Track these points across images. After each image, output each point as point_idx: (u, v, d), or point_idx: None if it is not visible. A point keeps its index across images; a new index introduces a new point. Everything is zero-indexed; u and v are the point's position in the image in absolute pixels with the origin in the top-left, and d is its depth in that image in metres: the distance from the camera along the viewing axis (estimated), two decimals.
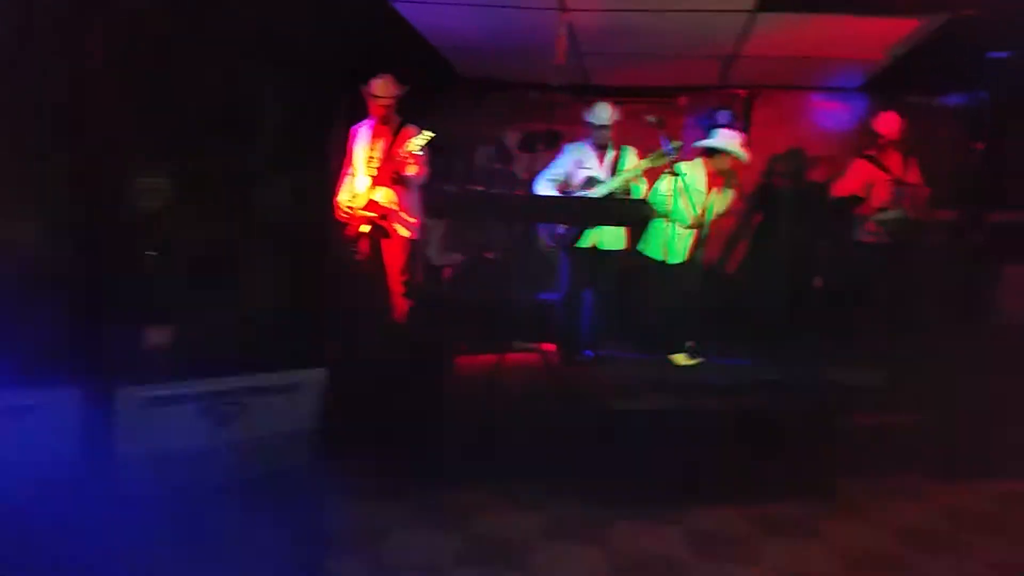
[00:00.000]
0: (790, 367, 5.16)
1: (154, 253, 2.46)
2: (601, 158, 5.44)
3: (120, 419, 2.44)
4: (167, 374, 2.54)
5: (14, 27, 2.26)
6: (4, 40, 2.25)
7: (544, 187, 5.51)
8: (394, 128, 5.22)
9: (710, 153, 5.53)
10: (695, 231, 5.47)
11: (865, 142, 6.31)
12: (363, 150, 5.29)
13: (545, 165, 5.73)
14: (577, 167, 5.46)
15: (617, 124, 5.46)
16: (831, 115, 7.94)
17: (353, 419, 3.32)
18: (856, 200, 6.04)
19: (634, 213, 4.77)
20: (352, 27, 4.70)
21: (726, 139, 5.47)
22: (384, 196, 5.17)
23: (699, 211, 5.39)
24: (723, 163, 5.47)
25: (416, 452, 3.58)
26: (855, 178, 6.11)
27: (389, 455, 3.43)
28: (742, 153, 5.48)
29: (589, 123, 5.44)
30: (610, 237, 5.40)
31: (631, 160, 5.41)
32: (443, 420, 3.90)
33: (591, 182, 5.36)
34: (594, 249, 5.38)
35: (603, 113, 5.37)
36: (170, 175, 2.48)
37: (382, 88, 5.15)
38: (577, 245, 5.37)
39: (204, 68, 2.53)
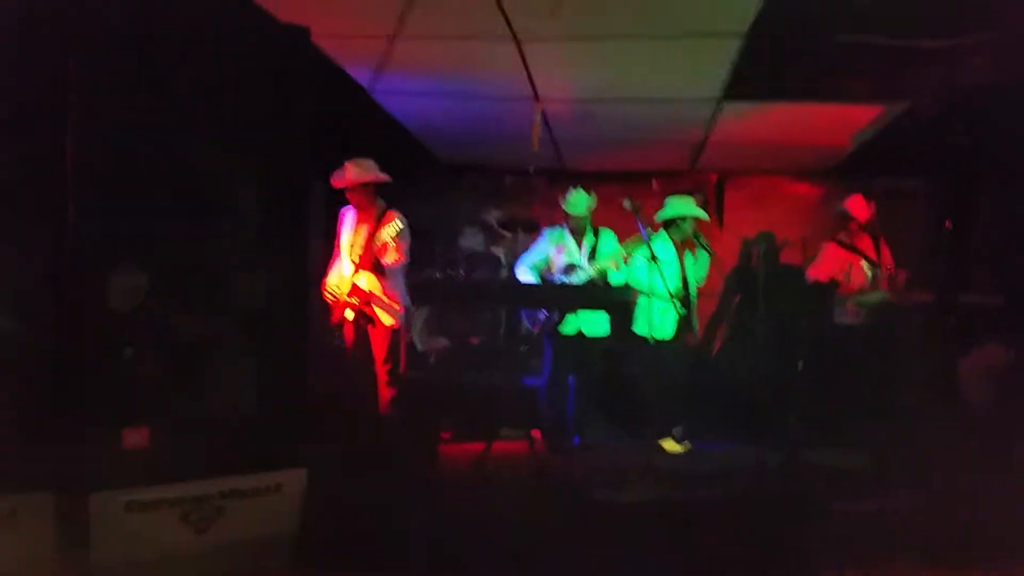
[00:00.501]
0: (773, 452, 5.11)
1: (128, 350, 2.40)
2: (580, 243, 5.48)
3: (94, 525, 2.33)
4: (143, 477, 2.44)
5: None
6: None
7: (524, 272, 5.53)
8: (377, 213, 5.22)
9: (667, 225, 5.63)
10: (678, 304, 5.44)
11: (837, 225, 6.43)
12: (347, 235, 5.29)
13: (525, 249, 5.78)
14: (557, 252, 5.49)
15: (594, 210, 5.53)
16: (802, 198, 8.13)
17: (335, 519, 3.21)
18: (833, 283, 6.12)
19: (615, 298, 4.78)
20: (331, 115, 4.80)
21: (678, 204, 5.59)
22: (367, 282, 5.15)
23: (677, 283, 5.44)
24: (684, 229, 5.58)
25: (399, 551, 3.46)
26: (829, 261, 6.20)
27: (372, 555, 3.31)
28: (698, 211, 5.65)
29: (565, 211, 5.49)
30: (593, 322, 5.38)
31: (610, 243, 5.45)
32: (428, 515, 3.80)
33: (571, 268, 5.38)
34: (578, 334, 5.36)
35: (579, 202, 5.42)
36: (144, 270, 2.44)
37: (353, 173, 5.16)
38: (559, 330, 5.34)
39: (177, 159, 2.52)
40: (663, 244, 5.54)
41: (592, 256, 5.39)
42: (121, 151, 2.45)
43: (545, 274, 5.51)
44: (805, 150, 7.06)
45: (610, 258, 5.22)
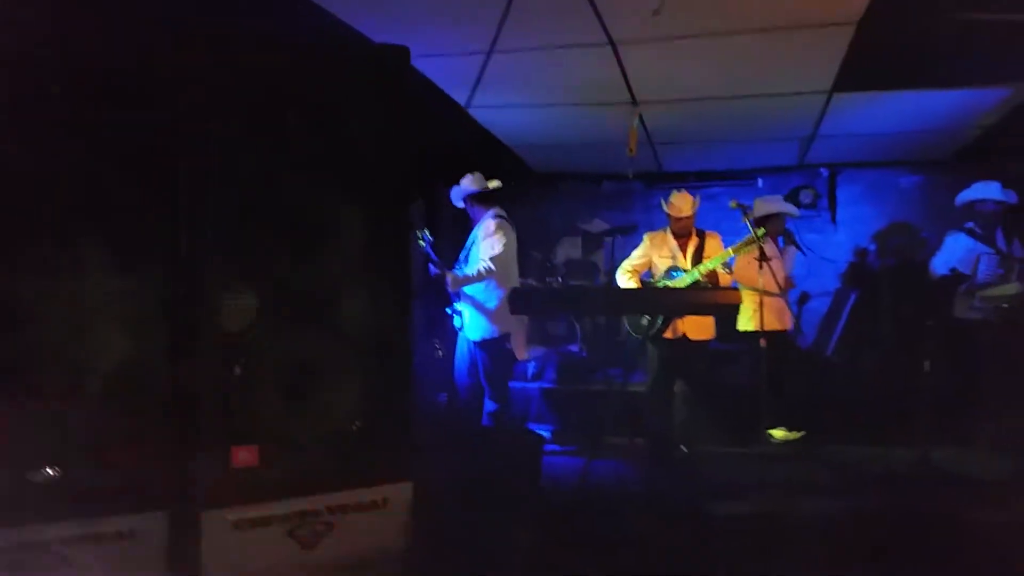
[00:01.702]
0: (899, 457, 4.82)
1: (239, 371, 2.45)
2: (683, 246, 5.30)
3: (206, 543, 2.39)
4: (253, 494, 2.49)
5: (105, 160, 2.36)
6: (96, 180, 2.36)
7: (623, 278, 5.40)
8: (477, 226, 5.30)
9: (763, 222, 5.49)
10: (780, 299, 5.33)
11: (961, 215, 6.02)
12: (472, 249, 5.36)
13: (624, 255, 5.65)
14: (658, 256, 5.34)
15: (696, 212, 5.35)
16: (920, 189, 7.67)
17: (441, 532, 3.21)
18: (959, 277, 5.73)
19: (720, 302, 4.59)
20: (428, 134, 4.85)
21: (770, 204, 5.52)
22: (460, 298, 5.21)
23: (778, 279, 5.31)
24: (777, 226, 5.52)
25: (506, 561, 3.43)
26: (954, 253, 5.81)
27: (479, 566, 3.29)
28: (787, 208, 5.62)
29: (667, 214, 5.34)
30: (698, 326, 5.20)
31: (714, 246, 5.25)
32: (532, 525, 3.76)
33: (673, 271, 5.21)
34: (683, 339, 5.18)
35: (681, 204, 5.25)
36: (253, 292, 2.50)
37: (460, 188, 5.27)
38: (662, 336, 5.18)
39: (284, 186, 2.57)
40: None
41: (697, 259, 5.20)
42: (230, 181, 2.51)
43: (645, 279, 5.37)
44: (924, 137, 6.65)
45: (715, 262, 5.01)
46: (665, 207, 5.33)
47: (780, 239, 5.83)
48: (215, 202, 2.48)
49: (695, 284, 5.03)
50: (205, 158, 2.47)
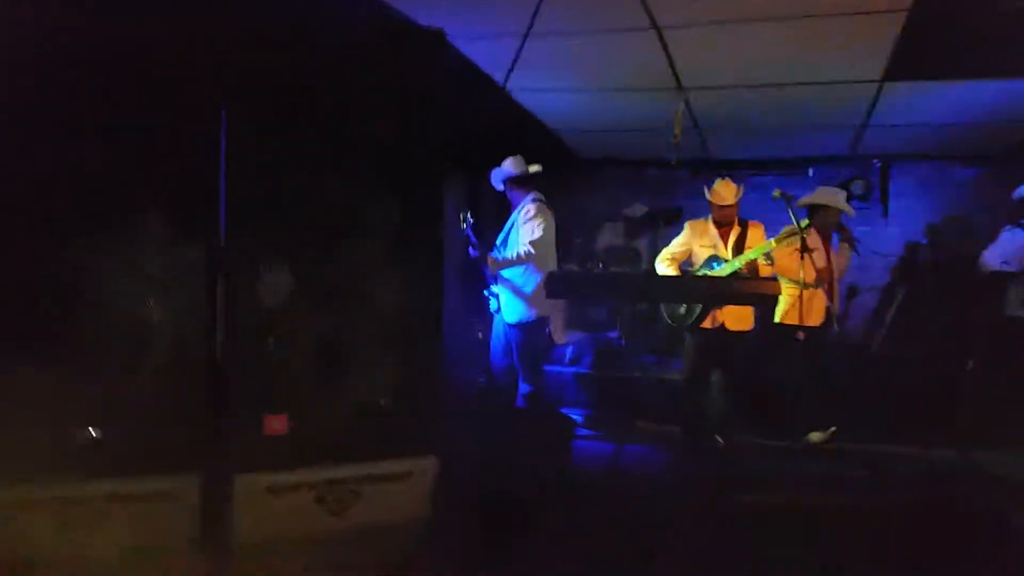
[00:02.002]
0: (943, 455, 4.74)
1: (273, 345, 2.54)
2: (724, 235, 5.25)
3: (236, 506, 2.49)
4: (283, 461, 2.58)
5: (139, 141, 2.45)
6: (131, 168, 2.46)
7: (663, 265, 5.38)
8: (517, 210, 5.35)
9: (812, 211, 5.40)
10: (820, 292, 5.22)
11: (1015, 209, 5.85)
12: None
13: (666, 242, 5.62)
14: (700, 245, 5.30)
15: (740, 201, 5.29)
16: (975, 182, 7.46)
17: (466, 507, 3.28)
18: (1010, 272, 5.58)
19: (760, 292, 4.54)
20: (471, 115, 4.89)
21: (827, 194, 5.38)
22: (497, 282, 5.26)
23: (819, 270, 5.18)
24: (830, 218, 5.39)
25: (531, 543, 3.47)
26: (1007, 248, 5.66)
27: (503, 545, 3.35)
28: (845, 207, 5.40)
29: (710, 202, 5.29)
30: (737, 317, 5.16)
31: (756, 236, 5.19)
32: (561, 508, 3.80)
33: (714, 260, 5.17)
34: (721, 329, 5.15)
35: (725, 193, 5.20)
36: (290, 271, 2.58)
37: (499, 172, 5.32)
38: (701, 325, 5.15)
39: (321, 168, 2.64)
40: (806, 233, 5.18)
41: (738, 249, 5.15)
42: (267, 163, 2.59)
43: (687, 267, 5.33)
44: (977, 131, 6.45)
45: (757, 252, 4.95)
46: (708, 195, 5.29)
47: (835, 236, 5.70)
48: (254, 184, 2.56)
49: (735, 274, 4.98)
50: (244, 140, 2.55)
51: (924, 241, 7.10)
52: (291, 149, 2.62)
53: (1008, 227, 5.76)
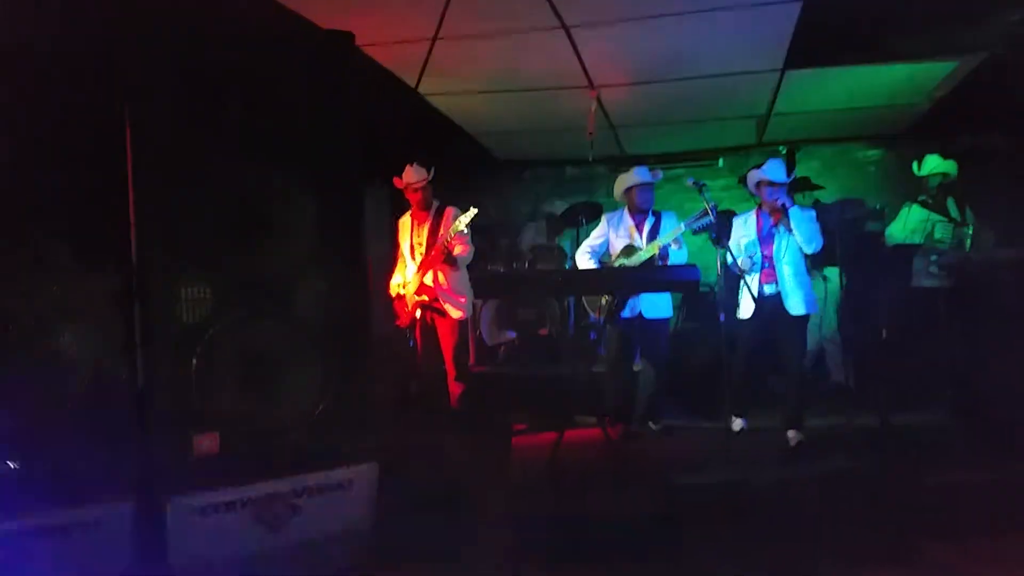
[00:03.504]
0: (858, 423, 4.94)
1: (196, 360, 2.49)
2: (640, 225, 5.38)
3: (171, 530, 2.42)
4: (217, 480, 2.53)
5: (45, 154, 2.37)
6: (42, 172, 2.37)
7: (583, 258, 5.46)
8: (434, 212, 5.37)
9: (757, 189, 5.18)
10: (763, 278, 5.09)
11: (916, 187, 6.17)
12: (406, 238, 5.44)
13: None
14: (616, 236, 5.40)
15: (653, 187, 5.39)
16: (877, 163, 7.83)
17: (408, 512, 3.26)
18: (912, 245, 5.86)
19: (681, 278, 4.65)
20: (385, 119, 4.87)
21: (765, 169, 5.08)
22: (433, 279, 5.27)
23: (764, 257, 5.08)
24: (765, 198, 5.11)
25: (474, 544, 3.48)
26: (909, 223, 5.95)
27: (446, 546, 3.34)
28: (776, 177, 5.04)
29: (630, 187, 5.37)
30: (652, 305, 5.28)
31: (671, 224, 5.32)
32: (503, 506, 3.81)
33: (629, 250, 5.27)
34: (639, 318, 5.27)
35: (641, 174, 5.30)
36: (208, 282, 2.52)
37: (412, 175, 5.32)
38: (621, 315, 5.24)
39: (231, 174, 2.59)
40: (747, 220, 5.22)
41: (653, 237, 5.27)
42: (179, 173, 2.53)
43: (605, 258, 5.43)
44: (879, 112, 6.77)
45: (668, 237, 5.07)
46: (626, 179, 5.36)
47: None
48: (164, 195, 2.50)
49: (650, 261, 5.09)
50: (152, 150, 2.48)
51: (831, 220, 7.38)
52: (202, 159, 2.57)
53: (907, 204, 6.06)
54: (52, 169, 2.40)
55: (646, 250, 5.17)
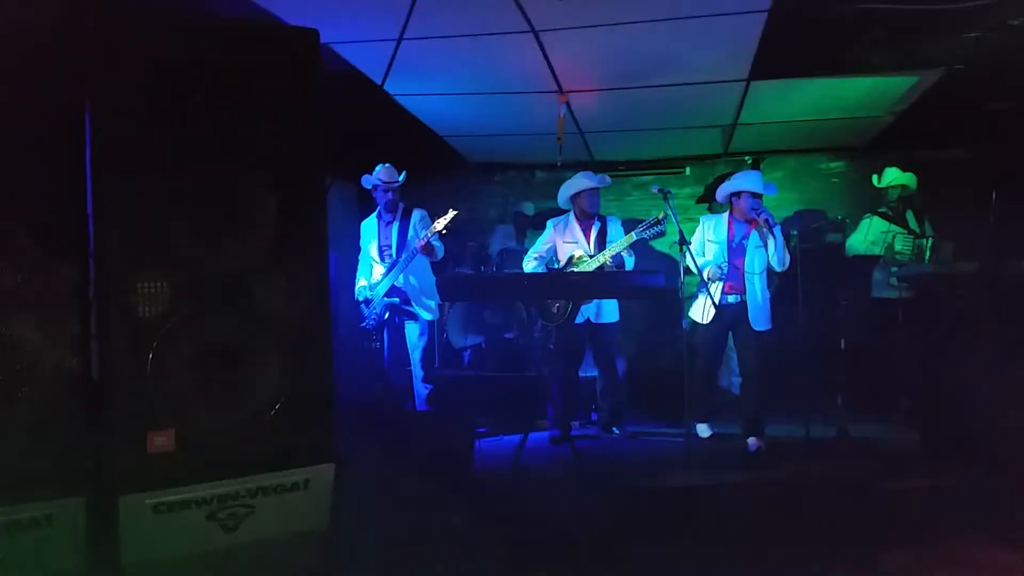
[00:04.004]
0: (818, 431, 5.02)
1: (152, 354, 2.45)
2: (587, 231, 5.38)
3: (123, 527, 2.38)
4: (171, 478, 2.49)
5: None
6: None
7: (530, 265, 5.45)
8: (400, 213, 5.36)
9: (735, 198, 5.24)
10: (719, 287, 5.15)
11: (877, 199, 6.29)
12: (374, 239, 5.41)
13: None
14: (562, 241, 5.41)
15: (600, 192, 5.43)
16: (839, 175, 7.96)
17: (368, 512, 3.24)
18: (872, 257, 5.98)
19: (645, 284, 4.69)
20: (353, 119, 4.85)
21: (747, 179, 5.20)
22: (402, 280, 5.25)
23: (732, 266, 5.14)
24: (740, 208, 5.18)
25: (435, 545, 3.47)
26: (869, 235, 6.07)
27: (406, 548, 3.33)
28: (752, 188, 5.19)
29: (578, 192, 5.36)
30: (603, 311, 5.32)
31: (617, 230, 5.35)
32: (464, 507, 3.81)
33: (577, 257, 5.28)
34: (587, 323, 5.30)
35: (589, 179, 5.33)
36: (165, 276, 2.49)
37: (386, 174, 5.30)
38: (572, 322, 5.27)
39: (193, 170, 2.56)
40: (718, 225, 5.25)
41: (600, 243, 5.29)
42: (139, 166, 2.49)
43: (552, 264, 5.43)
44: (842, 124, 6.88)
45: (620, 246, 5.10)
46: (572, 185, 5.39)
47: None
48: (123, 187, 2.46)
49: (601, 268, 5.12)
50: (111, 141, 2.45)
51: (794, 231, 7.49)
52: (162, 152, 2.52)
53: (867, 215, 6.18)
54: (9, 158, 2.36)
55: (596, 258, 5.18)
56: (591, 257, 5.23)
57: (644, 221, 5.04)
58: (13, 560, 2.26)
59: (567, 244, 5.36)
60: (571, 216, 5.44)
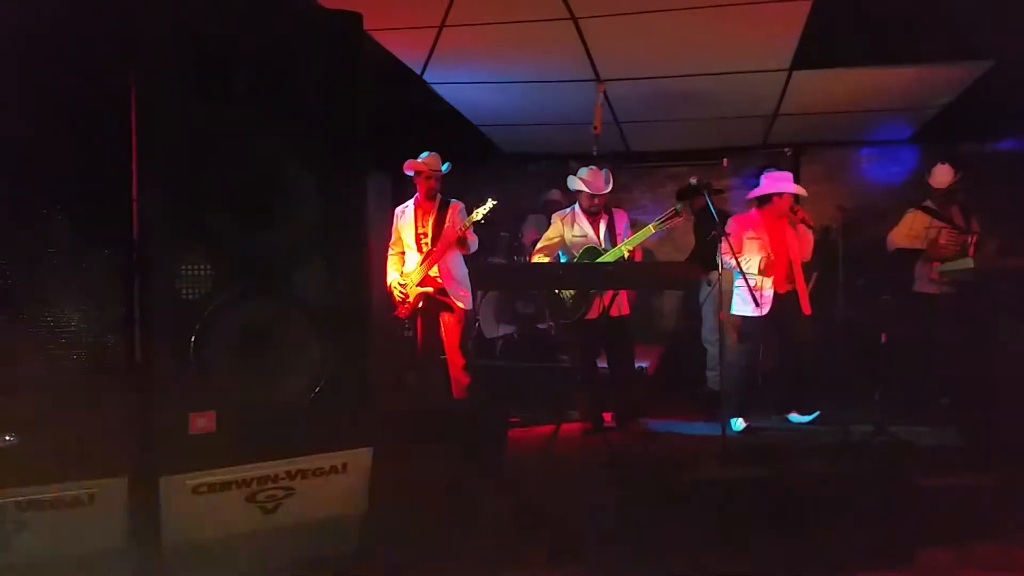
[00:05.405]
0: (857, 427, 4.93)
1: (195, 337, 2.47)
2: (595, 225, 5.28)
3: (164, 508, 2.41)
4: (211, 460, 2.51)
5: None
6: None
7: (538, 259, 5.36)
8: (439, 204, 5.33)
9: (762, 202, 5.32)
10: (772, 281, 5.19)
11: (920, 193, 6.15)
12: (410, 227, 5.37)
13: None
14: (570, 234, 5.31)
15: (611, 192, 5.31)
16: (882, 168, 7.80)
17: (402, 498, 3.25)
18: (914, 251, 5.85)
19: (686, 276, 4.64)
20: (392, 108, 4.85)
21: (775, 182, 5.25)
22: (440, 270, 5.23)
23: (768, 261, 5.16)
24: (779, 207, 5.25)
25: (469, 533, 3.47)
26: (912, 229, 5.93)
27: (442, 536, 3.33)
28: (794, 190, 5.27)
29: (579, 191, 5.25)
30: (615, 304, 5.20)
31: (623, 223, 5.29)
32: (497, 497, 3.80)
33: (590, 250, 5.19)
34: (603, 317, 5.17)
35: (599, 182, 5.21)
36: (210, 261, 2.50)
37: (432, 161, 5.27)
38: (586, 316, 5.16)
39: (237, 154, 2.57)
40: (751, 222, 5.29)
41: (610, 236, 5.21)
42: (183, 150, 2.51)
43: (559, 257, 5.34)
44: (885, 116, 6.75)
45: (638, 238, 5.01)
46: (578, 184, 5.26)
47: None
48: (168, 169, 2.48)
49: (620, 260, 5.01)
50: (156, 124, 2.47)
51: (833, 225, 7.38)
52: (207, 136, 2.54)
53: (911, 210, 6.04)
54: (55, 141, 2.39)
55: (613, 251, 5.10)
56: (605, 251, 5.14)
57: (660, 215, 4.99)
58: (52, 541, 2.29)
59: (576, 238, 5.27)
60: (576, 209, 5.36)
